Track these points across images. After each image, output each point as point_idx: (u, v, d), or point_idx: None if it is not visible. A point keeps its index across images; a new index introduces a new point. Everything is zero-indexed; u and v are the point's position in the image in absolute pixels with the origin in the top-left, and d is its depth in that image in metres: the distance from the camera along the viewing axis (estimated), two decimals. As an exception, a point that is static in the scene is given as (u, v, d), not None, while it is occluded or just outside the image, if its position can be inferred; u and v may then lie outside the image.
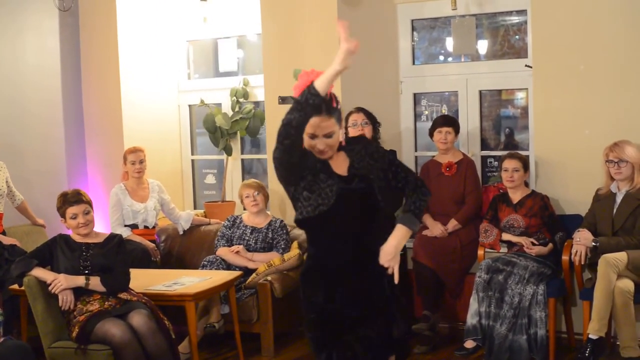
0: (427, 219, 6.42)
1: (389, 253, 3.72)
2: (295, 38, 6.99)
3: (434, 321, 6.26)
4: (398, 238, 3.74)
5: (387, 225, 3.80)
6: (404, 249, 6.57)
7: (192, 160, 8.29)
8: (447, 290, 6.42)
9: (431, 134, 6.60)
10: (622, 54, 6.05)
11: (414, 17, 7.22)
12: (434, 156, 6.72)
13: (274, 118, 7.16)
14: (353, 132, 6.32)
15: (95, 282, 5.26)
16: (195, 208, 8.16)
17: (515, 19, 7.01)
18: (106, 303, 5.24)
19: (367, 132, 6.30)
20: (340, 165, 3.81)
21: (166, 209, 7.15)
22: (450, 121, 6.52)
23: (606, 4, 6.07)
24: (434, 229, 6.37)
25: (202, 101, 7.70)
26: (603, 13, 6.09)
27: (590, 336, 5.43)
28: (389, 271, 3.73)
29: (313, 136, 3.71)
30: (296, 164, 3.68)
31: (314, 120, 3.62)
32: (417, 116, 7.33)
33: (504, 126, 7.25)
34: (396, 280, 3.74)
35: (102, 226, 7.24)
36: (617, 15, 6.04)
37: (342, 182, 3.75)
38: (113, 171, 7.61)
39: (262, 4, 7.13)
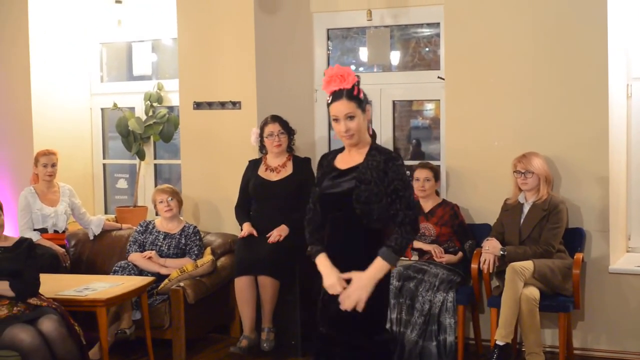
0: None
1: (358, 287, 3.81)
2: (211, 43, 6.98)
3: None
4: (374, 270, 3.82)
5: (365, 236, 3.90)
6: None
7: (104, 165, 8.18)
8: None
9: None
10: (530, 68, 6.22)
11: (329, 26, 7.29)
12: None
13: (188, 123, 7.13)
14: (269, 144, 6.35)
15: (4, 287, 5.14)
16: (106, 213, 8.06)
17: (426, 32, 7.15)
18: (15, 308, 5.13)
19: (284, 141, 6.36)
20: (350, 159, 3.95)
21: (77, 213, 7.04)
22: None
23: (516, 20, 6.23)
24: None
25: (115, 104, 7.61)
26: (513, 28, 6.25)
27: (497, 342, 5.55)
28: (357, 307, 3.81)
29: (336, 119, 3.87)
30: None
31: (334, 104, 3.85)
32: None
33: (414, 136, 7.38)
34: (359, 309, 3.79)
35: (10, 230, 7.07)
36: (526, 30, 6.21)
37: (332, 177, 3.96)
38: (22, 174, 7.44)
39: (179, 9, 7.10)
